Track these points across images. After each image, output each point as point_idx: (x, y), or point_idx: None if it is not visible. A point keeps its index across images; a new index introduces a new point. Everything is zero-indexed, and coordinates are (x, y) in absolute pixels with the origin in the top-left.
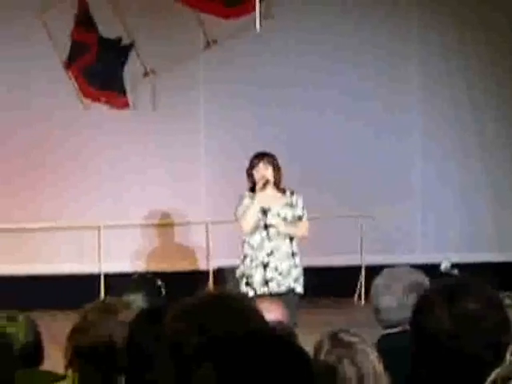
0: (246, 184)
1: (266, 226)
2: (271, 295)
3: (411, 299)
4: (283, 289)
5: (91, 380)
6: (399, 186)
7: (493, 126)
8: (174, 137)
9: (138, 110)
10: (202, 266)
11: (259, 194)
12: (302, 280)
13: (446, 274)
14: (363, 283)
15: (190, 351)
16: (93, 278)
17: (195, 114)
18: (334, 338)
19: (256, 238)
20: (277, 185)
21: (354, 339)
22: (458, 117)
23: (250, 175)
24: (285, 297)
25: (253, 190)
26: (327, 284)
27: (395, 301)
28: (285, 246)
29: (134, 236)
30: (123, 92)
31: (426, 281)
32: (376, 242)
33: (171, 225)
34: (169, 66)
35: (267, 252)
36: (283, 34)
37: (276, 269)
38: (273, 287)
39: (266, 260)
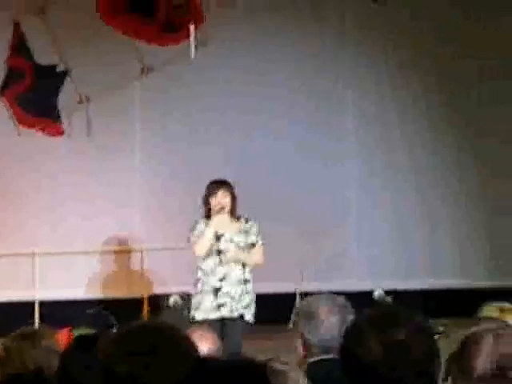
0: (180, 208)
1: (219, 252)
2: (223, 320)
3: (335, 321)
4: (235, 314)
5: None
6: (335, 214)
7: (425, 155)
8: (108, 163)
9: (72, 137)
10: (138, 292)
11: (214, 220)
12: (253, 308)
13: (379, 302)
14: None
15: (121, 376)
16: (28, 306)
17: (130, 140)
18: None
19: (209, 264)
20: (232, 212)
21: (284, 368)
22: (392, 145)
23: (206, 202)
24: (233, 323)
25: (208, 216)
26: (263, 310)
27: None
28: (237, 272)
29: (70, 263)
30: (58, 119)
31: (348, 304)
32: (311, 269)
33: (108, 252)
34: (104, 93)
35: (219, 277)
36: (217, 60)
37: (228, 294)
38: (225, 312)
39: (218, 285)
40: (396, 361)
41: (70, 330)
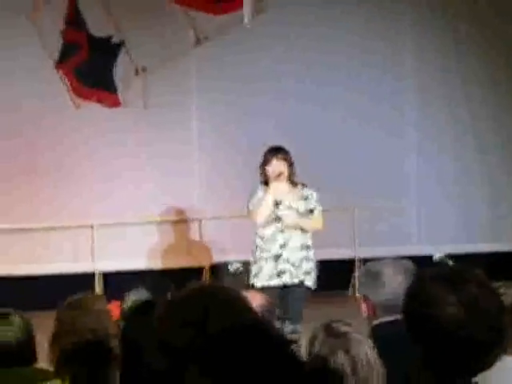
0: (238, 178)
1: (278, 219)
2: (284, 287)
3: (400, 282)
4: (296, 281)
5: (81, 377)
6: (394, 179)
7: (487, 119)
8: (166, 134)
9: (129, 108)
10: (196, 262)
11: (273, 187)
12: (313, 274)
13: (441, 264)
14: (357, 276)
15: (177, 344)
16: (88, 278)
17: (187, 110)
18: (328, 329)
19: (268, 231)
20: (290, 179)
21: (347, 329)
22: (453, 111)
23: (263, 169)
24: (294, 290)
25: (265, 184)
26: (321, 277)
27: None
28: (297, 239)
29: (129, 234)
30: (114, 90)
31: (413, 267)
32: (370, 234)
33: (167, 222)
34: (160, 63)
35: (279, 244)
36: (273, 28)
37: (288, 260)
38: (285, 279)
39: (278, 252)
40: (468, 317)
41: (121, 304)
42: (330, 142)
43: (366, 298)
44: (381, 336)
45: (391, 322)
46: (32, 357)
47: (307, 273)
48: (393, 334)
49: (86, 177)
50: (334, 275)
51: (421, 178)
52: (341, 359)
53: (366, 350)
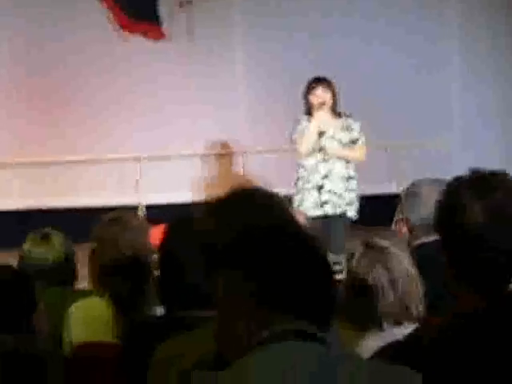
0: (283, 112)
1: (322, 149)
2: (326, 217)
3: None
4: (339, 211)
5: (121, 293)
6: (438, 117)
7: None
8: (210, 67)
9: (173, 41)
10: None
11: (316, 116)
12: (356, 205)
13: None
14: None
15: (218, 246)
16: (134, 210)
17: (231, 44)
18: (367, 244)
19: (311, 161)
20: (333, 109)
21: (386, 244)
22: (497, 47)
23: (306, 99)
24: (336, 219)
25: (309, 114)
26: (364, 212)
27: (427, 211)
28: (340, 169)
29: (175, 167)
30: (159, 23)
31: None
32: (415, 171)
33: (211, 155)
34: None
35: (322, 174)
36: None
37: (331, 191)
38: (328, 209)
39: (320, 182)
40: (492, 224)
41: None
42: (373, 77)
43: (406, 220)
44: (420, 256)
45: (431, 243)
46: (72, 276)
47: (350, 203)
48: (432, 254)
49: (129, 108)
50: (377, 211)
51: (466, 116)
52: (379, 272)
53: (405, 265)
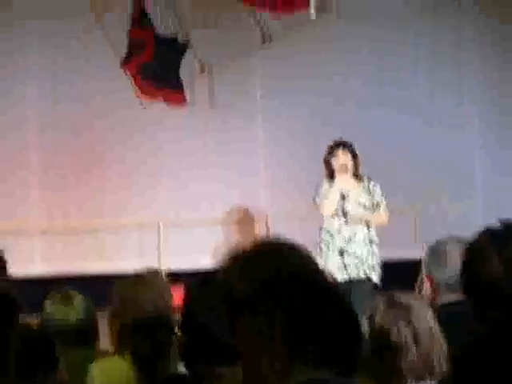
0: (303, 177)
1: (344, 212)
2: (350, 281)
3: None
4: (362, 275)
5: (143, 352)
6: (459, 180)
7: None
8: (231, 133)
9: (195, 107)
10: None
11: (338, 179)
12: (378, 269)
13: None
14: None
15: (241, 297)
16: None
17: (252, 110)
18: (390, 300)
19: (334, 224)
20: (355, 172)
21: (409, 300)
22: None
23: (327, 163)
24: (359, 284)
25: (331, 177)
26: (385, 277)
27: (450, 268)
28: (362, 233)
29: (196, 233)
30: (180, 89)
31: None
32: (435, 235)
33: (233, 221)
34: (225, 62)
35: (345, 237)
36: (339, 28)
37: (354, 254)
38: (352, 272)
39: (343, 246)
40: (507, 273)
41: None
42: (392, 142)
43: (429, 278)
44: (444, 314)
45: (455, 302)
46: (93, 336)
47: (372, 267)
48: (456, 314)
49: (151, 174)
50: (399, 276)
51: (486, 176)
52: (402, 329)
53: (428, 321)
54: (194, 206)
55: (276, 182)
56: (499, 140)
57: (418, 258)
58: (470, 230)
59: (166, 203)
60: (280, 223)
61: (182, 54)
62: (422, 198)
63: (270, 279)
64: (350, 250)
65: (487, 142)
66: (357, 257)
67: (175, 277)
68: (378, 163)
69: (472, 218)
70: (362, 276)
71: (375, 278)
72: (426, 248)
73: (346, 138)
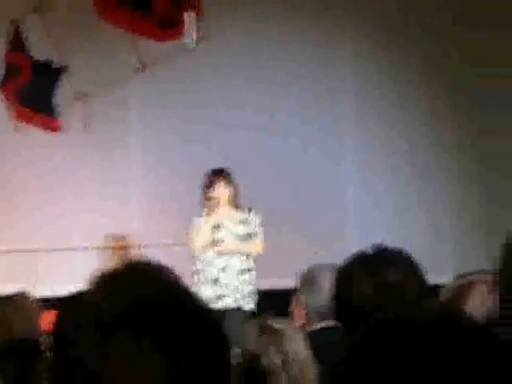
0: (179, 207)
1: (217, 242)
2: (225, 311)
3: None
4: (236, 305)
5: (11, 376)
6: (333, 213)
7: (425, 150)
8: (106, 161)
9: (69, 134)
10: None
11: (215, 213)
12: (254, 297)
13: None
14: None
15: (108, 319)
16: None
17: (128, 137)
18: (262, 325)
19: (208, 254)
20: (233, 201)
21: (282, 326)
22: (392, 146)
23: (204, 192)
24: (233, 313)
25: (208, 201)
26: (263, 307)
27: (318, 295)
28: (237, 262)
29: (70, 260)
30: (55, 115)
31: None
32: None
33: (107, 248)
34: (101, 89)
35: (219, 268)
36: (218, 56)
37: (227, 285)
38: (226, 303)
39: (217, 276)
40: (387, 303)
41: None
42: (269, 171)
43: (298, 306)
44: (315, 343)
45: (326, 329)
46: None
47: (247, 296)
48: (327, 341)
49: (27, 202)
50: (277, 305)
51: (359, 210)
52: (272, 355)
53: (299, 347)
54: (69, 233)
55: (149, 210)
56: (372, 175)
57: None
58: (343, 258)
59: (43, 230)
60: (153, 252)
61: (58, 80)
62: (298, 227)
63: (136, 299)
64: (223, 281)
65: (360, 177)
66: (230, 287)
67: (49, 302)
68: (256, 190)
69: (345, 247)
70: (236, 306)
71: (250, 306)
72: (297, 275)
73: (225, 165)
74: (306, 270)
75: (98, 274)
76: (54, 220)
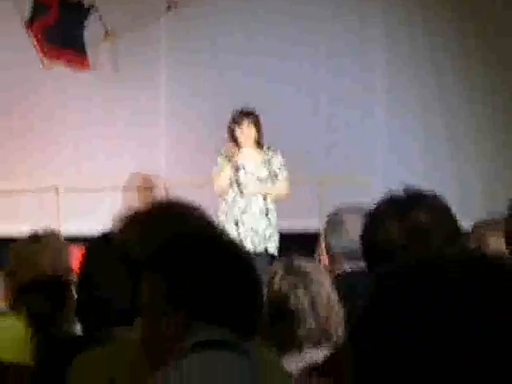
0: (206, 150)
1: (240, 183)
2: None
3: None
4: (258, 247)
5: (39, 312)
6: (361, 151)
7: (454, 85)
8: (133, 101)
9: (98, 72)
10: None
11: (239, 154)
12: (275, 239)
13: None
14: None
15: (139, 258)
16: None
17: (156, 77)
18: (288, 266)
19: (230, 195)
20: (258, 142)
21: (308, 267)
22: (420, 78)
23: (231, 130)
24: (256, 257)
25: (234, 143)
26: (284, 249)
27: (346, 236)
28: (258, 204)
29: (96, 198)
30: (84, 53)
31: None
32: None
33: (133, 188)
34: (130, 27)
35: (240, 208)
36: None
37: (248, 226)
38: (247, 244)
39: (238, 217)
40: (416, 244)
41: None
42: (296, 113)
43: (327, 246)
44: (341, 283)
45: (353, 272)
46: None
47: (269, 239)
48: (354, 282)
49: (54, 141)
50: (301, 247)
51: (388, 155)
52: (300, 296)
53: (326, 289)
54: (96, 173)
55: (177, 152)
56: (401, 112)
57: (320, 228)
58: (372, 201)
59: (67, 168)
60: (179, 191)
61: (87, 18)
62: (324, 168)
63: (170, 240)
64: (244, 222)
65: (391, 126)
66: (252, 228)
67: (74, 240)
68: (281, 134)
69: (374, 191)
70: (258, 249)
71: (272, 249)
72: (324, 219)
73: (251, 107)
74: (333, 212)
75: (127, 213)
76: (81, 159)
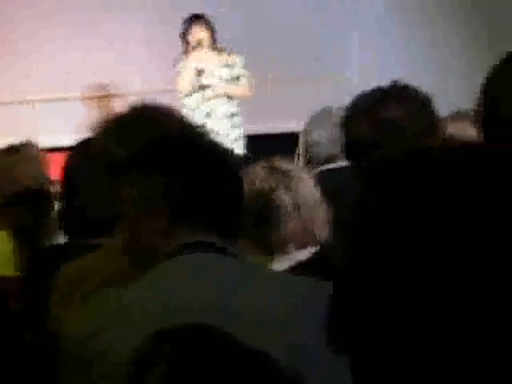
0: (164, 54)
1: (203, 87)
2: None
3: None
4: None
5: (22, 224)
6: (335, 54)
7: None
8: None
9: None
10: None
11: (193, 55)
12: (242, 142)
13: None
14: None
15: (121, 160)
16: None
17: None
18: (270, 166)
19: (193, 100)
20: (213, 45)
21: (290, 167)
22: None
23: (183, 38)
24: None
25: (187, 53)
26: (264, 151)
27: (325, 135)
28: (223, 107)
29: (71, 109)
30: None
31: None
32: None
33: (92, 97)
34: None
35: (204, 114)
36: None
37: (214, 130)
38: None
39: (203, 122)
40: (387, 139)
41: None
42: (270, 17)
43: (306, 145)
44: (325, 182)
45: (335, 168)
46: None
47: (236, 140)
48: (337, 179)
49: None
50: (278, 149)
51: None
52: (283, 196)
53: (309, 188)
54: (70, 80)
55: (135, 59)
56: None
57: (298, 130)
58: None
59: (35, 79)
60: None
61: None
62: (297, 70)
63: (154, 140)
64: (209, 126)
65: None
66: (217, 132)
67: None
68: (245, 33)
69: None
70: None
71: (240, 150)
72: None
73: (215, 11)
74: (313, 112)
75: (103, 120)
76: (38, 69)
